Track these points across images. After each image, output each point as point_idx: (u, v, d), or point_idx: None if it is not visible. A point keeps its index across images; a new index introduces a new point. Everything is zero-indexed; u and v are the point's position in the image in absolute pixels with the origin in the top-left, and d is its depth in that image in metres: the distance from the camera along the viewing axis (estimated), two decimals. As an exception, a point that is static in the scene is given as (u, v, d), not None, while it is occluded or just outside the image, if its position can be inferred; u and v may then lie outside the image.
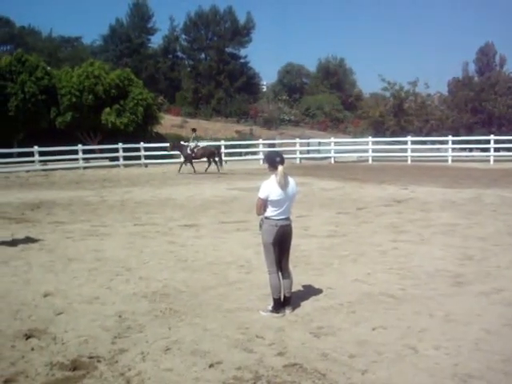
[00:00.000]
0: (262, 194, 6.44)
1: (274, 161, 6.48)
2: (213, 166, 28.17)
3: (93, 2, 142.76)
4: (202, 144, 30.24)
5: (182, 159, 29.56)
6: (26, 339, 5.96)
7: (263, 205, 6.46)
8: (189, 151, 28.16)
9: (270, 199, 6.40)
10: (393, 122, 45.99)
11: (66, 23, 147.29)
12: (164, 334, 6.00)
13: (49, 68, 46.40)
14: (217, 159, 28.46)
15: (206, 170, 28.02)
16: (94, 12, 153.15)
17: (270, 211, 6.46)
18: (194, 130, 30.00)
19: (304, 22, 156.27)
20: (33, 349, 5.69)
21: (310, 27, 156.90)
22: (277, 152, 6.97)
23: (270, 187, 6.41)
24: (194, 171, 27.73)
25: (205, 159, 28.53)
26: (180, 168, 28.34)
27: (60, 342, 5.83)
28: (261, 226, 6.59)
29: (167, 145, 30.83)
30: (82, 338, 5.92)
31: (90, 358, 5.42)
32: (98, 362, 5.33)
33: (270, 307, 6.58)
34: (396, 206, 15.04)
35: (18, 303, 7.16)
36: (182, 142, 29.74)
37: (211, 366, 5.18)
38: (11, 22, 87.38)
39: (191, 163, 28.35)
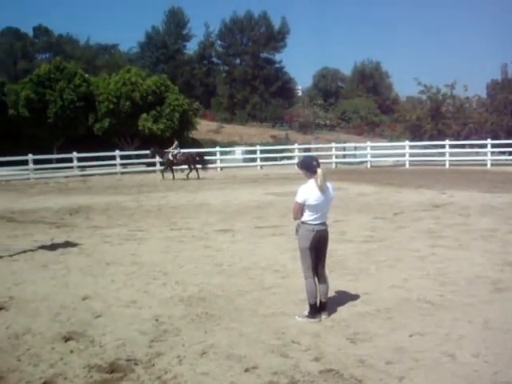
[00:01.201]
0: (299, 199, 6.41)
1: (311, 165, 6.44)
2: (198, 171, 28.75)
3: (129, 9, 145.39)
4: (183, 151, 30.42)
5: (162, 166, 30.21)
6: (65, 342, 6.05)
7: (300, 209, 6.44)
8: (170, 157, 28.79)
9: (307, 204, 6.37)
10: (430, 125, 45.33)
11: (103, 31, 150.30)
12: (200, 337, 6.02)
13: (86, 75, 47.34)
14: (199, 166, 28.93)
15: (187, 176, 28.40)
16: (131, 20, 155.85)
17: (307, 216, 6.43)
18: (174, 139, 30.84)
19: (339, 25, 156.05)
20: (71, 351, 5.78)
21: (346, 31, 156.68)
22: (311, 156, 6.94)
23: (307, 191, 6.38)
24: (173, 178, 28.21)
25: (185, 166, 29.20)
26: (162, 175, 28.95)
27: (98, 345, 5.91)
28: (297, 230, 6.57)
29: (201, 150, 31.21)
30: (120, 341, 5.99)
31: (128, 360, 5.48)
32: (135, 364, 5.38)
33: (306, 312, 6.55)
34: (434, 211, 14.83)
35: (58, 306, 7.28)
36: (172, 149, 29.74)
37: (247, 370, 5.18)
38: (50, 31, 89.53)
39: (171, 169, 28.89)
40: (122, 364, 5.40)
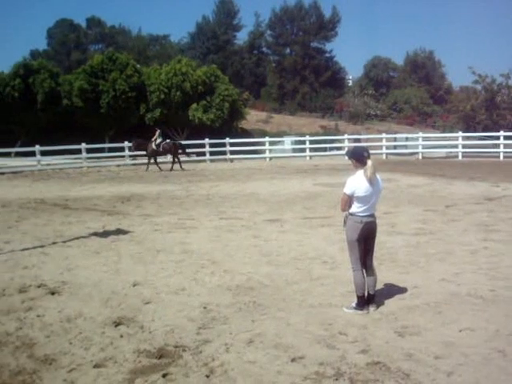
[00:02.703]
0: (347, 190, 6.36)
1: (362, 156, 6.36)
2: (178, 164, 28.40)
3: (181, 0, 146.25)
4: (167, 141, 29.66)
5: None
6: (116, 326, 6.20)
7: (348, 201, 6.38)
8: (154, 146, 28.05)
9: (356, 195, 6.31)
10: (484, 116, 44.17)
11: (154, 22, 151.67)
12: (247, 326, 6.07)
13: (138, 66, 48.05)
14: (180, 157, 28.48)
15: (171, 169, 28.03)
16: (182, 10, 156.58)
17: (356, 207, 6.37)
18: (156, 128, 29.83)
19: (391, 14, 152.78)
20: (121, 336, 5.92)
21: (397, 19, 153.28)
22: (362, 147, 6.87)
23: (356, 183, 6.32)
24: (160, 169, 27.77)
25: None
26: (147, 167, 28.42)
27: (147, 331, 6.03)
28: (345, 222, 6.52)
29: (250, 140, 30.99)
30: (169, 327, 6.10)
31: (176, 347, 5.57)
32: (183, 351, 5.47)
33: (353, 304, 6.51)
34: (487, 204, 14.48)
35: (109, 292, 7.46)
36: (154, 139, 28.78)
37: (293, 360, 5.20)
38: (102, 22, 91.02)
39: (155, 160, 28.37)
40: (170, 350, 5.50)
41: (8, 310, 6.83)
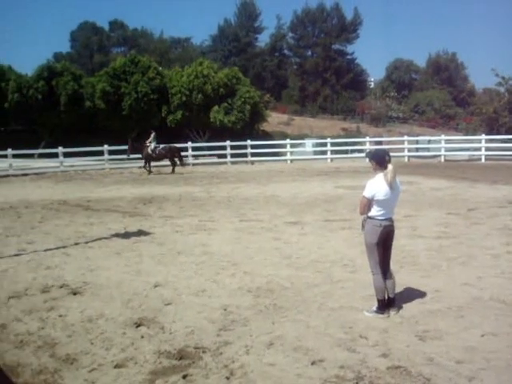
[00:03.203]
0: (367, 193, 6.33)
1: (383, 159, 6.33)
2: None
3: (202, 3, 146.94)
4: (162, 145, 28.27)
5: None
6: (136, 327, 6.24)
7: (368, 204, 6.36)
8: (149, 151, 27.05)
9: (375, 199, 6.28)
10: (507, 118, 43.61)
11: (176, 25, 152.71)
12: (268, 328, 6.07)
13: (160, 68, 48.39)
14: (176, 160, 27.70)
15: (172, 171, 27.37)
16: (204, 13, 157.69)
17: (375, 211, 6.34)
18: (151, 131, 28.49)
19: (413, 15, 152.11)
20: (142, 337, 5.96)
21: (420, 21, 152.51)
22: (384, 150, 6.83)
23: (376, 186, 6.29)
24: (150, 173, 27.03)
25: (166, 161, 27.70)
26: (144, 170, 27.58)
27: (168, 332, 6.06)
28: (363, 225, 6.50)
29: (271, 142, 30.35)
30: (189, 328, 6.12)
31: (196, 348, 5.59)
32: (203, 352, 5.49)
33: (374, 308, 6.48)
34: (510, 208, 14.28)
35: (130, 293, 7.52)
36: (149, 142, 27.58)
37: (313, 363, 5.19)
38: (125, 25, 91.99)
39: (149, 164, 27.41)
40: (190, 351, 5.52)
41: (30, 309, 6.92)
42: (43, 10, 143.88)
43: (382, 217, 6.34)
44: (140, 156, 28.17)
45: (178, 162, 27.97)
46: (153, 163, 27.86)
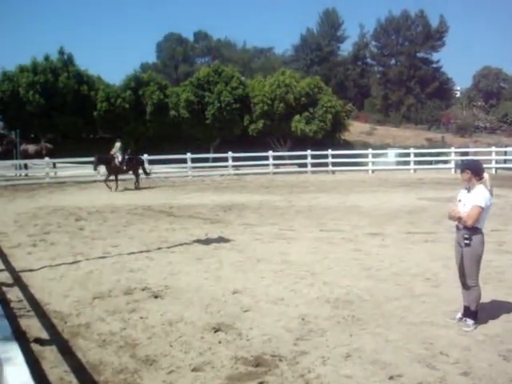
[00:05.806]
0: (483, 203, 6.14)
1: (481, 169, 6.21)
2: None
3: (284, 12, 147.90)
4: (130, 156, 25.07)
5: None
6: (215, 332, 6.32)
7: (480, 215, 6.18)
8: (117, 163, 23.51)
9: (485, 208, 6.16)
10: None
11: (259, 35, 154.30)
12: (345, 340, 5.99)
13: (243, 78, 49.02)
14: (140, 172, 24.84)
15: (137, 186, 24.36)
16: (286, 23, 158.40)
17: (482, 221, 6.23)
18: (118, 137, 25.18)
19: (502, 22, 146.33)
20: (220, 342, 6.02)
21: (509, 27, 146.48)
22: (478, 160, 6.68)
23: (488, 196, 6.13)
24: (117, 188, 23.23)
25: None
26: (115, 185, 23.44)
27: (245, 338, 6.09)
28: (467, 238, 6.25)
29: (352, 152, 29.78)
30: (266, 336, 6.13)
31: (273, 356, 5.59)
32: (280, 361, 5.48)
33: (470, 322, 6.31)
34: None
35: (209, 298, 7.62)
36: (112, 152, 23.93)
37: (391, 378, 5.07)
38: (209, 36, 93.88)
39: (116, 177, 23.62)
40: (266, 359, 5.53)
41: (113, 310, 7.15)
42: (131, 22, 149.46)
43: (483, 227, 6.22)
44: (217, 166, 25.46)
45: (144, 175, 25.44)
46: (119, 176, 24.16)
